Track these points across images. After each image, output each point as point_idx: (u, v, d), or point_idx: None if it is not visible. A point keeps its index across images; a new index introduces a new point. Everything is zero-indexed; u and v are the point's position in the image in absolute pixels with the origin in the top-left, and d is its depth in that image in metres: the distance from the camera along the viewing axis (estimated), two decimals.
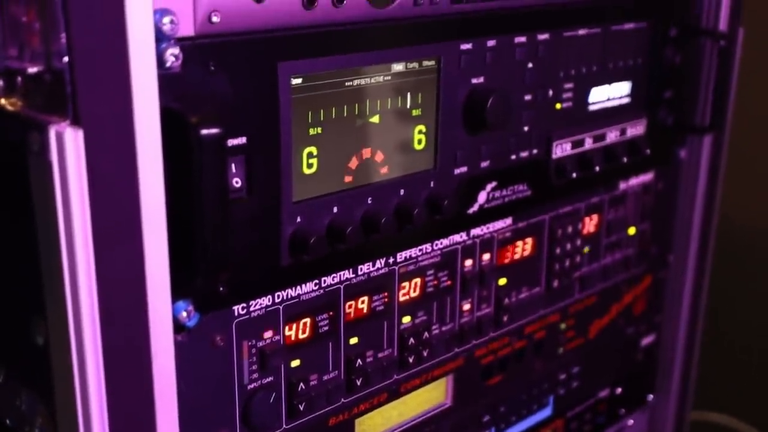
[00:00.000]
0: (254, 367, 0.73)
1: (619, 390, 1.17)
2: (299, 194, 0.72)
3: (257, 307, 0.72)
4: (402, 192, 0.79)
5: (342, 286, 0.78)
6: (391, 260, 0.82)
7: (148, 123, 0.57)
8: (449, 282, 0.88)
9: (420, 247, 0.84)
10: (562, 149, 0.94)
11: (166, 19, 0.59)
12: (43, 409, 0.66)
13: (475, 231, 0.89)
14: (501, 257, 0.92)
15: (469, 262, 0.89)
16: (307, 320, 0.76)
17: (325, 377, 0.79)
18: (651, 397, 1.24)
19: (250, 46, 0.66)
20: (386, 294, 0.82)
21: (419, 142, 0.80)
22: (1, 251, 0.66)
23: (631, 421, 1.22)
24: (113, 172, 0.56)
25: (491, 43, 0.83)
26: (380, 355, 0.83)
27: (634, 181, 1.07)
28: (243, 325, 0.72)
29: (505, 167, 0.89)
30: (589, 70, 0.95)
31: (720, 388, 1.57)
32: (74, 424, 0.61)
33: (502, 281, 0.93)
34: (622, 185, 1.06)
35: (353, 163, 0.75)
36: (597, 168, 0.98)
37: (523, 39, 0.86)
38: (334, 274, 0.77)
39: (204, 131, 0.60)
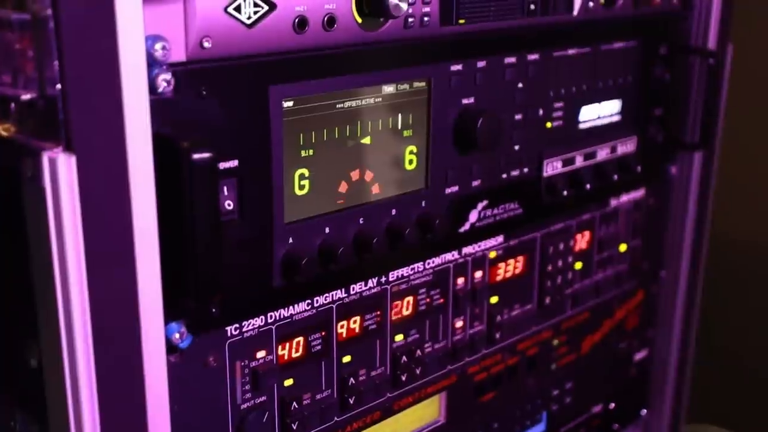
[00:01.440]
0: (247, 387, 0.74)
1: (612, 405, 1.18)
2: (291, 215, 0.73)
3: (250, 327, 0.73)
4: (394, 212, 0.80)
5: (334, 306, 0.79)
6: (383, 279, 0.82)
7: (140, 148, 0.58)
8: (441, 300, 0.88)
9: (412, 266, 0.85)
10: (552, 167, 0.95)
11: (158, 45, 0.60)
12: (37, 430, 0.66)
13: (467, 249, 0.89)
14: (493, 275, 0.93)
15: (461, 281, 0.90)
16: (300, 340, 0.77)
17: (318, 396, 0.79)
18: (644, 411, 1.24)
19: (242, 71, 0.67)
20: (379, 313, 0.83)
21: (410, 162, 0.81)
22: None
23: None
24: (106, 197, 0.57)
25: (481, 63, 0.84)
26: (373, 373, 0.84)
27: (625, 198, 1.08)
28: (236, 346, 0.72)
29: (496, 186, 0.89)
30: (579, 89, 0.95)
31: (713, 400, 1.58)
32: None
33: (494, 299, 0.94)
34: (613, 202, 1.06)
35: (345, 184, 0.76)
36: (588, 186, 0.98)
37: (512, 59, 0.87)
38: (327, 294, 0.78)
39: (196, 156, 0.60)
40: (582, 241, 1.03)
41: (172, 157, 0.60)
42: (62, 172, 0.55)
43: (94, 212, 0.57)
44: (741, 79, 1.17)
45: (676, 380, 1.23)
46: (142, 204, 0.58)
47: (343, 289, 0.79)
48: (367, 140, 0.77)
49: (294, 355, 0.77)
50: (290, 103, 0.70)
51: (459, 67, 0.82)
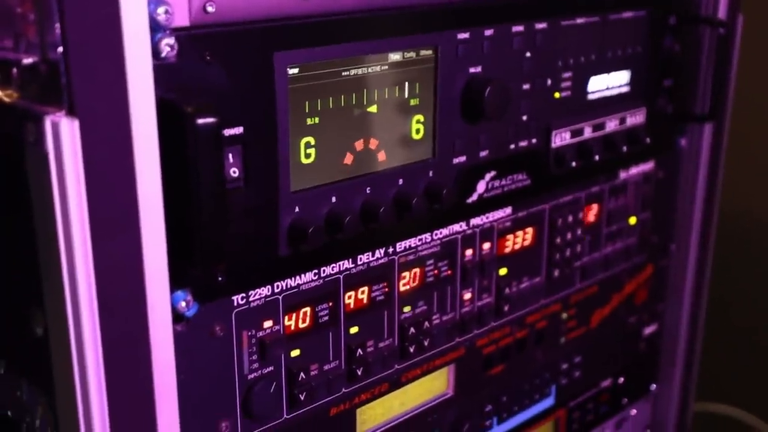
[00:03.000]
0: (254, 357, 0.73)
1: (621, 380, 1.17)
2: (297, 184, 0.72)
3: (256, 297, 0.72)
4: (401, 182, 0.79)
5: (341, 276, 0.78)
6: (390, 250, 0.82)
7: (144, 113, 0.57)
8: (449, 272, 0.88)
9: (419, 237, 0.84)
10: (561, 138, 0.94)
11: (160, 10, 0.59)
12: (44, 399, 0.66)
13: (475, 221, 0.89)
14: (501, 247, 0.92)
15: (469, 252, 0.89)
16: (307, 310, 0.76)
17: (326, 367, 0.79)
18: (654, 386, 1.24)
19: (246, 36, 0.66)
20: (386, 284, 0.82)
21: (417, 131, 0.80)
22: None
23: (633, 411, 1.22)
24: (110, 162, 0.57)
25: (489, 32, 0.83)
26: (381, 344, 0.83)
27: (635, 170, 1.07)
28: (242, 315, 0.72)
29: (504, 157, 0.89)
30: (587, 59, 0.94)
31: (724, 378, 1.57)
32: (74, 415, 0.61)
33: (503, 271, 0.93)
34: (623, 174, 1.05)
35: (351, 153, 0.76)
36: (597, 157, 0.97)
37: (520, 28, 0.86)
38: (334, 264, 0.77)
39: (200, 121, 0.60)
40: (591, 213, 1.03)
41: (177, 122, 0.60)
42: (65, 137, 0.55)
43: (97, 177, 0.56)
44: (751, 49, 1.16)
45: (685, 355, 1.22)
46: (146, 169, 0.58)
47: (350, 260, 0.79)
48: (373, 109, 0.76)
49: (301, 325, 0.76)
50: (295, 70, 0.69)
51: (466, 35, 0.81)
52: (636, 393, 1.21)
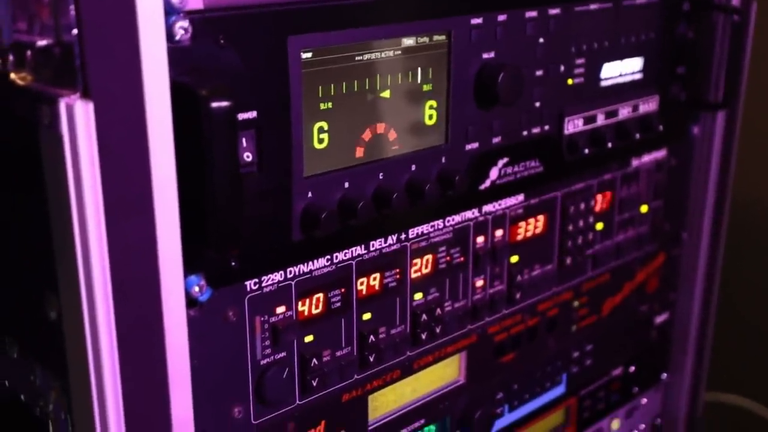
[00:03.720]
0: (267, 343, 0.73)
1: (632, 368, 1.17)
2: (310, 169, 0.72)
3: (269, 282, 0.72)
4: (413, 167, 0.79)
5: (354, 262, 0.78)
6: (402, 236, 0.81)
7: (158, 95, 0.57)
8: (461, 258, 0.87)
9: (432, 224, 0.84)
10: (574, 125, 0.93)
11: None
12: (57, 384, 0.66)
13: (487, 207, 0.88)
14: (513, 234, 0.92)
15: (481, 239, 0.89)
16: (320, 296, 0.76)
17: (338, 353, 0.79)
18: (665, 375, 1.23)
19: (260, 20, 0.66)
20: (398, 270, 0.82)
21: (430, 117, 0.80)
22: (13, 226, 0.67)
23: (644, 400, 1.22)
24: (124, 145, 0.56)
25: (502, 17, 0.82)
26: (393, 331, 0.83)
27: (647, 158, 1.07)
28: (255, 301, 0.72)
29: (517, 143, 0.88)
30: (600, 46, 0.94)
31: (735, 369, 1.57)
32: (88, 399, 0.61)
33: (515, 258, 0.93)
34: (635, 162, 1.05)
35: (364, 139, 0.75)
36: (609, 144, 0.97)
37: (534, 14, 0.85)
38: (346, 250, 0.77)
39: (214, 104, 0.59)
40: (603, 201, 1.02)
41: (191, 105, 0.59)
42: (80, 119, 0.54)
43: (112, 160, 0.56)
44: (765, 37, 1.15)
45: (697, 344, 1.21)
46: (160, 152, 0.57)
47: (362, 246, 0.78)
48: (386, 94, 0.76)
49: (314, 311, 0.76)
50: (309, 54, 0.69)
51: (479, 20, 0.80)
52: (647, 382, 1.21)
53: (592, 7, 0.91)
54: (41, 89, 0.57)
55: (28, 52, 0.58)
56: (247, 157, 0.67)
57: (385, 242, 0.80)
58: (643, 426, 1.23)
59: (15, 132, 0.61)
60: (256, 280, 0.71)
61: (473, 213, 0.87)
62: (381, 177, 0.77)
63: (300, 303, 0.75)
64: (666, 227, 1.13)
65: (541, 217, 0.95)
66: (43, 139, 0.57)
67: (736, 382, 1.57)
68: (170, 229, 0.60)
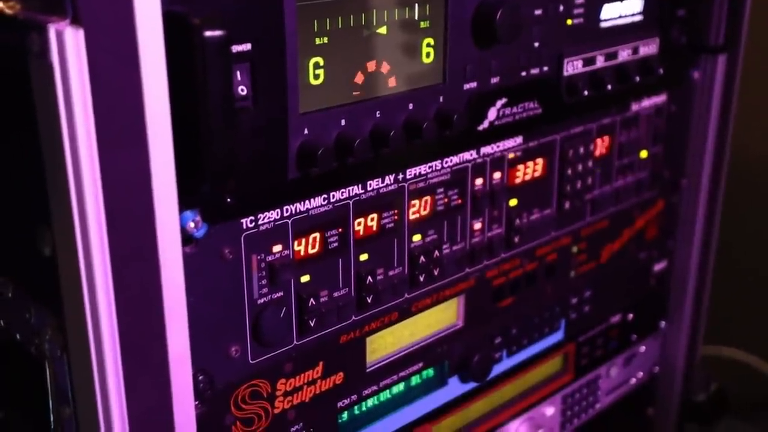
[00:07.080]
0: (264, 282, 0.73)
1: (631, 316, 1.17)
2: (306, 105, 0.71)
3: (265, 220, 0.72)
4: (411, 106, 0.78)
5: (351, 202, 0.77)
6: (400, 177, 0.81)
7: (150, 23, 0.56)
8: (459, 201, 0.87)
9: (429, 164, 0.83)
10: (573, 67, 0.92)
11: None
12: (52, 321, 0.66)
13: (485, 149, 0.87)
14: (512, 177, 0.91)
15: (479, 181, 0.88)
16: (317, 235, 0.76)
17: (336, 294, 0.78)
18: (663, 323, 1.23)
19: None
20: (396, 211, 0.81)
21: (428, 55, 0.79)
22: (4, 161, 0.66)
23: (643, 348, 1.22)
24: (116, 74, 0.55)
25: None
26: (391, 273, 0.82)
27: (647, 102, 1.05)
28: (251, 239, 0.71)
29: (516, 84, 0.87)
30: None
31: (733, 322, 1.57)
32: (84, 336, 0.61)
33: (513, 202, 0.92)
34: (634, 106, 1.04)
35: (360, 75, 0.74)
36: (609, 87, 0.96)
37: None
38: (343, 189, 0.76)
39: (208, 33, 0.58)
40: (602, 145, 1.01)
41: (184, 34, 0.58)
42: (70, 46, 0.53)
43: (104, 89, 0.55)
44: None
45: (695, 292, 1.21)
46: (153, 80, 0.56)
47: (359, 185, 0.77)
48: (383, 30, 0.75)
49: (311, 251, 0.76)
50: None
51: None
52: (645, 330, 1.21)
53: None
54: (30, 17, 0.56)
55: None
56: (242, 90, 0.66)
57: (383, 182, 0.79)
58: (641, 374, 1.23)
59: (4, 63, 0.60)
60: (252, 218, 0.71)
61: (471, 154, 0.86)
62: (378, 115, 0.76)
63: (296, 242, 0.74)
64: (665, 174, 1.12)
65: (539, 161, 0.94)
66: (33, 67, 0.56)
67: (735, 336, 1.57)
68: (164, 161, 0.59)
